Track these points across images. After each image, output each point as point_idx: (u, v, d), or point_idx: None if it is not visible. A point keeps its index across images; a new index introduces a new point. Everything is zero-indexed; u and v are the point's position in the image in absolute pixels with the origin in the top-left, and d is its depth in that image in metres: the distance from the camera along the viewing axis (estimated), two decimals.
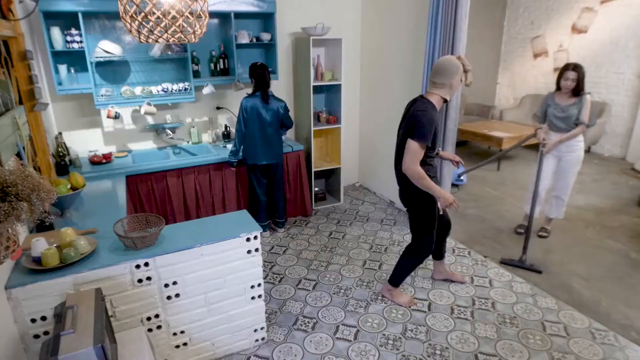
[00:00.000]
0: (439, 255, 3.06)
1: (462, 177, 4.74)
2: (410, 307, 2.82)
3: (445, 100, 2.46)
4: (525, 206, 3.78)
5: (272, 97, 3.51)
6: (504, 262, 3.35)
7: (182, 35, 1.94)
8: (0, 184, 1.35)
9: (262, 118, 3.47)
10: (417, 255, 2.76)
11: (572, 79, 3.28)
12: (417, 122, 2.35)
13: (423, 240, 2.68)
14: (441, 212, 2.60)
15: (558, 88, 3.40)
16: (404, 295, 2.90)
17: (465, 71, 2.41)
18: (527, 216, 3.52)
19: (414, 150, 2.36)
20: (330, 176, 4.75)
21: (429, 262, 3.37)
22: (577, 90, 3.33)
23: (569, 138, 3.39)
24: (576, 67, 3.29)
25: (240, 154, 3.56)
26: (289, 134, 4.54)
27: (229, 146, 3.85)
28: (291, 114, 4.49)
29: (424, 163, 2.44)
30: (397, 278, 2.85)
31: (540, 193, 3.61)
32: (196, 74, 3.73)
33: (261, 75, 3.41)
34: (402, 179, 2.56)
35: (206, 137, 4.14)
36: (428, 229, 2.63)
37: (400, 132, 2.57)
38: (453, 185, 4.60)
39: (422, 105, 2.41)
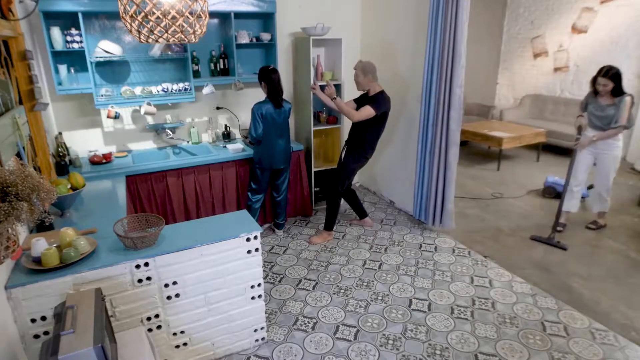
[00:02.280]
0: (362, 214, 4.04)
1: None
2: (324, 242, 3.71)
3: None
4: (565, 204, 3.75)
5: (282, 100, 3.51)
6: (534, 239, 3.66)
7: (182, 35, 1.93)
8: (0, 184, 1.36)
9: (277, 123, 3.47)
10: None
11: (604, 85, 3.32)
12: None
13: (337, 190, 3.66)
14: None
15: (595, 91, 3.44)
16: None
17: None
18: (563, 213, 3.77)
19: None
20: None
21: (429, 261, 3.38)
22: (616, 91, 3.33)
23: (602, 138, 3.42)
24: (608, 73, 3.29)
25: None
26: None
27: (229, 146, 3.85)
28: (291, 113, 4.50)
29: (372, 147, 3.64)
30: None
31: (573, 188, 3.69)
32: (196, 74, 3.73)
33: (274, 81, 3.35)
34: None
35: (206, 137, 4.14)
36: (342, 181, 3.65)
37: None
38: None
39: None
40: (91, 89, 3.24)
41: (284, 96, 3.53)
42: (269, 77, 3.33)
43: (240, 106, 4.19)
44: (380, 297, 2.94)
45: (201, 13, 1.94)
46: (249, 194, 3.72)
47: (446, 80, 3.39)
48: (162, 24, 1.87)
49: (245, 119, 4.15)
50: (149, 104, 3.47)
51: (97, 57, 3.25)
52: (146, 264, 1.97)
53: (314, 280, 3.16)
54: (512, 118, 6.95)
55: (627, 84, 5.92)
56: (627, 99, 3.32)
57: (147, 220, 2.14)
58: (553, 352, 2.40)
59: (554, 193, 4.62)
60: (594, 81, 3.43)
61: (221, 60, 3.86)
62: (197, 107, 4.03)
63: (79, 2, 3.03)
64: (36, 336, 1.81)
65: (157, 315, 2.09)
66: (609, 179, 3.60)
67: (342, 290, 3.03)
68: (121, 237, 1.97)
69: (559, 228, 3.76)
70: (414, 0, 3.76)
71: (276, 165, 3.61)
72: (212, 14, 3.65)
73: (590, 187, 4.02)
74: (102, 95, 3.37)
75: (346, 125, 4.54)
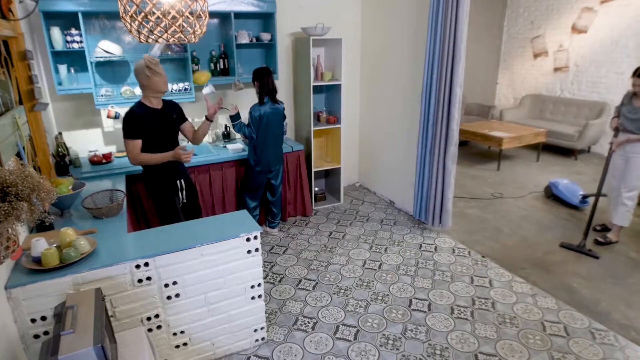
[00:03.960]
0: None
1: (586, 199, 4.31)
2: None
3: None
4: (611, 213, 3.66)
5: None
6: (564, 246, 3.52)
7: (182, 35, 1.94)
8: (0, 184, 1.36)
9: (273, 125, 3.48)
10: None
11: (638, 85, 3.16)
12: None
13: None
14: None
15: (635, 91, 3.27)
16: None
17: None
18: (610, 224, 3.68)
19: None
20: (330, 176, 4.75)
21: (429, 261, 3.38)
22: None
23: (633, 140, 3.29)
24: None
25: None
26: (289, 134, 4.54)
27: (229, 146, 3.85)
28: (291, 113, 4.51)
29: None
30: None
31: (608, 193, 3.62)
32: None
33: (267, 79, 3.39)
34: None
35: (206, 137, 4.14)
36: None
37: None
38: (576, 207, 4.37)
39: None
40: (91, 89, 3.24)
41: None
42: (262, 76, 3.39)
43: (241, 106, 4.18)
44: (380, 297, 2.94)
45: (201, 13, 1.94)
46: (247, 199, 3.71)
47: (446, 80, 3.39)
48: (162, 24, 1.87)
49: (245, 119, 4.15)
50: None
51: (97, 57, 3.25)
52: (146, 264, 1.97)
53: (314, 280, 3.16)
54: (512, 118, 6.95)
55: (627, 84, 5.93)
56: None
57: (111, 198, 2.59)
58: (553, 352, 2.40)
59: (550, 193, 4.62)
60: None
61: (221, 60, 3.86)
62: (197, 107, 4.03)
63: (79, 2, 3.03)
64: (36, 336, 1.81)
65: (157, 315, 2.09)
66: (633, 184, 3.41)
67: (342, 290, 3.03)
68: (90, 209, 2.34)
69: (600, 239, 3.61)
70: (414, 0, 3.76)
71: (273, 166, 3.62)
72: (212, 14, 3.65)
73: (600, 195, 3.58)
74: (102, 95, 3.37)
75: (346, 125, 4.54)
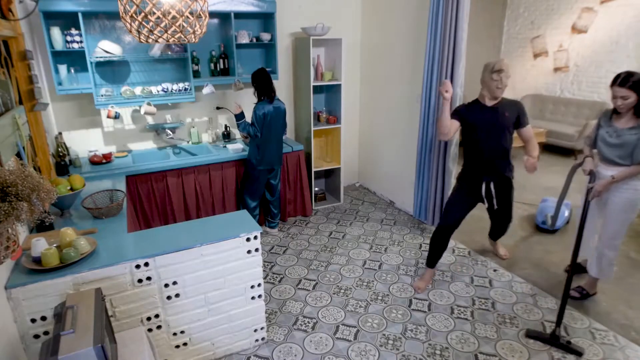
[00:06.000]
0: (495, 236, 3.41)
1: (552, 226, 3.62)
2: None
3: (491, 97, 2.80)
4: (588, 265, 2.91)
5: (276, 99, 3.52)
6: (530, 336, 2.50)
7: (182, 35, 1.94)
8: (0, 184, 1.36)
9: (274, 123, 3.48)
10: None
11: (623, 97, 2.33)
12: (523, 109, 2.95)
13: None
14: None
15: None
16: None
17: (494, 71, 2.68)
18: (589, 280, 2.87)
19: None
20: (330, 176, 4.75)
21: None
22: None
23: (624, 177, 2.44)
24: (627, 81, 2.29)
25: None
26: (289, 134, 4.54)
27: (229, 146, 3.85)
28: (291, 114, 4.51)
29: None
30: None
31: (589, 242, 2.81)
32: (196, 74, 3.73)
33: (267, 80, 3.40)
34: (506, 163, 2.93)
35: (206, 137, 4.14)
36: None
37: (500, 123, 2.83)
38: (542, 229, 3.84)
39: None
40: (91, 89, 3.24)
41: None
42: (261, 77, 3.40)
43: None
44: (380, 297, 2.94)
45: (201, 13, 1.94)
46: (247, 199, 3.70)
47: (453, 79, 3.38)
48: (162, 24, 1.87)
49: (249, 118, 4.15)
50: (149, 104, 3.47)
51: (97, 57, 3.25)
52: (146, 264, 1.97)
53: (314, 280, 3.16)
54: None
55: None
56: None
57: (111, 199, 2.59)
58: (553, 352, 2.40)
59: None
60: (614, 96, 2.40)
61: (221, 60, 3.86)
62: (197, 107, 4.03)
63: (79, 2, 3.03)
64: (36, 336, 1.81)
65: (157, 315, 2.08)
66: (616, 230, 2.60)
67: (342, 290, 3.03)
68: (90, 209, 2.35)
69: (575, 294, 2.85)
70: (415, 0, 3.76)
71: (275, 165, 3.64)
72: (212, 14, 3.65)
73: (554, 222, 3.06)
74: (102, 95, 3.37)
75: (346, 125, 4.55)
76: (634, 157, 2.39)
